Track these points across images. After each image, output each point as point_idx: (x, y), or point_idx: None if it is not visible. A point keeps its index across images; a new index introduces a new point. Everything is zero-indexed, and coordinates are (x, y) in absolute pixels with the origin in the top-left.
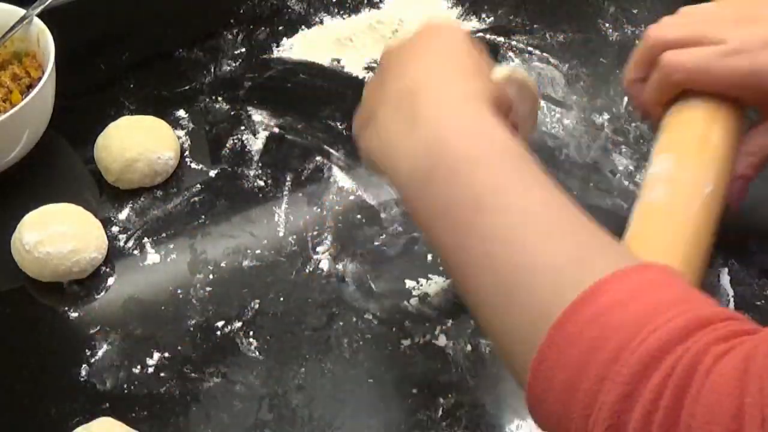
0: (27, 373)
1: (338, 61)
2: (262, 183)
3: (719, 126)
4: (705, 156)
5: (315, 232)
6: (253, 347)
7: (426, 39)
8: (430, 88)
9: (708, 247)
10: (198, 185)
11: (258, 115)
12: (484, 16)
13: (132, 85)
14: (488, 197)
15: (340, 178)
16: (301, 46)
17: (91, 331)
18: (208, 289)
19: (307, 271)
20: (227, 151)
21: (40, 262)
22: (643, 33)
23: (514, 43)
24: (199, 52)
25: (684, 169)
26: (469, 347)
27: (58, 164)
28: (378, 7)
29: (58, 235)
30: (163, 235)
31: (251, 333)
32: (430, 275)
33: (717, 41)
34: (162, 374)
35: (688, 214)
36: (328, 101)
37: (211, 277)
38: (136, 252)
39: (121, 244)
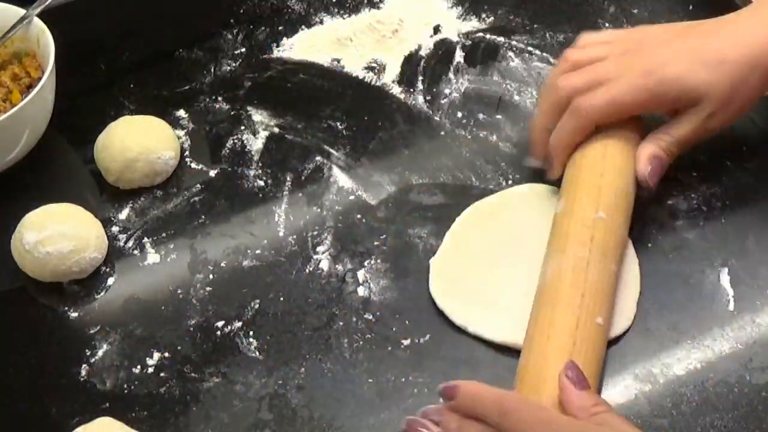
0: (27, 373)
1: (338, 61)
2: (262, 183)
3: (613, 159)
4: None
5: (315, 232)
6: (253, 347)
7: None
8: None
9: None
10: (198, 185)
11: (258, 115)
12: (484, 16)
13: (132, 85)
14: None
15: (340, 178)
16: (301, 46)
17: (91, 331)
18: (208, 289)
19: (307, 271)
20: (227, 151)
21: (40, 262)
22: (548, 83)
23: (514, 43)
24: (199, 52)
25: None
26: (468, 347)
27: (58, 164)
28: (378, 7)
29: (58, 235)
30: (163, 235)
31: (251, 333)
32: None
33: (615, 77)
34: (162, 374)
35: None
36: (328, 101)
37: (211, 277)
38: (136, 252)
39: (121, 244)
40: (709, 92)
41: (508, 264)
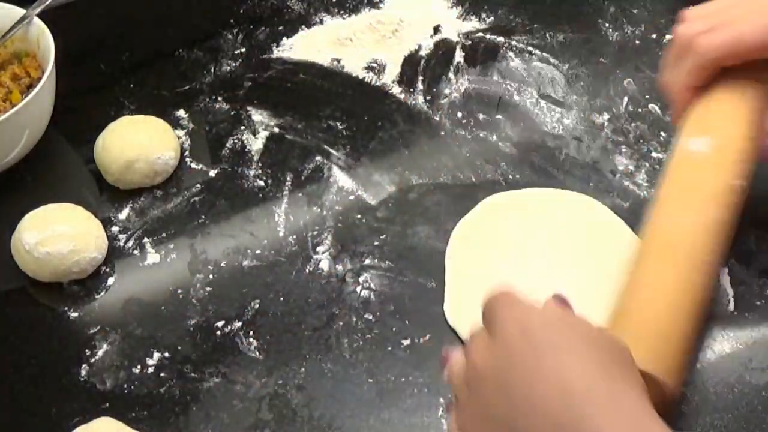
0: (27, 373)
1: (338, 61)
2: (262, 183)
3: (744, 109)
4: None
5: (315, 232)
6: (253, 347)
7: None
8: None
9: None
10: (198, 185)
11: (258, 115)
12: (484, 16)
13: (132, 85)
14: None
15: (340, 178)
16: (301, 46)
17: (91, 331)
18: (208, 289)
19: (307, 271)
20: (227, 151)
21: (40, 262)
22: (673, 36)
23: (514, 43)
24: (199, 52)
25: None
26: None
27: (58, 164)
28: (378, 7)
29: (58, 235)
30: (163, 235)
31: (251, 333)
32: (429, 275)
33: (740, 18)
34: (162, 374)
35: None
36: (328, 101)
37: (211, 277)
38: (136, 252)
39: (121, 244)
40: None
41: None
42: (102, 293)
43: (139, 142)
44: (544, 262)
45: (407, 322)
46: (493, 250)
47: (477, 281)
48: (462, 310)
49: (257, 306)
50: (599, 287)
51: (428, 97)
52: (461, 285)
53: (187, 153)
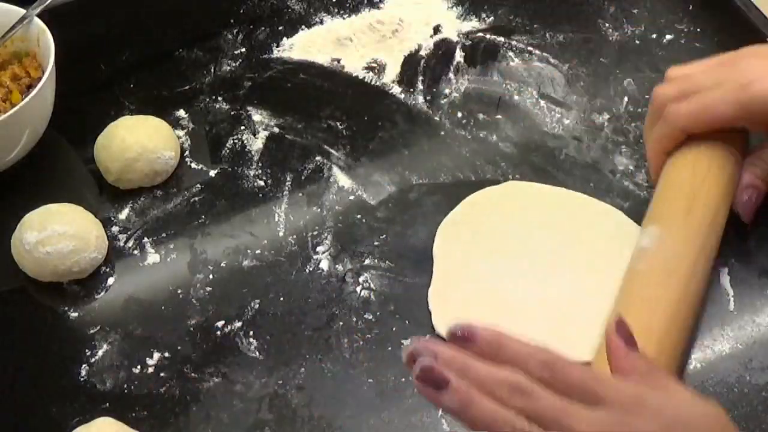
0: (27, 373)
1: (338, 61)
2: (262, 183)
3: (710, 173)
4: (690, 225)
5: (315, 232)
6: (253, 347)
7: None
8: None
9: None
10: (198, 185)
11: (258, 115)
12: (484, 16)
13: (132, 85)
14: None
15: (340, 178)
16: (301, 46)
17: (91, 331)
18: (208, 289)
19: (307, 271)
20: (227, 151)
21: (40, 262)
22: (651, 96)
23: (514, 43)
24: (199, 52)
25: (669, 242)
26: None
27: (58, 164)
28: (378, 7)
29: (58, 235)
30: (163, 235)
31: (251, 333)
32: (430, 275)
33: (708, 88)
34: (162, 374)
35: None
36: (328, 101)
37: (211, 277)
38: (136, 252)
39: (121, 244)
40: None
41: (506, 275)
42: (102, 293)
43: (139, 142)
44: (532, 257)
45: (407, 322)
46: (479, 245)
47: (462, 273)
48: (445, 296)
49: (257, 306)
50: (590, 281)
51: (428, 97)
52: (447, 273)
53: (187, 153)
